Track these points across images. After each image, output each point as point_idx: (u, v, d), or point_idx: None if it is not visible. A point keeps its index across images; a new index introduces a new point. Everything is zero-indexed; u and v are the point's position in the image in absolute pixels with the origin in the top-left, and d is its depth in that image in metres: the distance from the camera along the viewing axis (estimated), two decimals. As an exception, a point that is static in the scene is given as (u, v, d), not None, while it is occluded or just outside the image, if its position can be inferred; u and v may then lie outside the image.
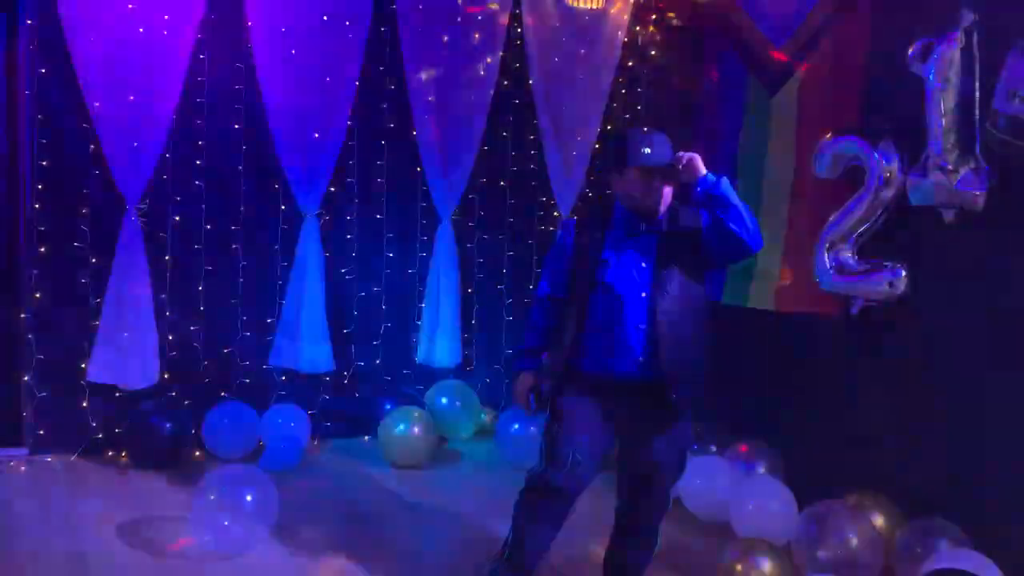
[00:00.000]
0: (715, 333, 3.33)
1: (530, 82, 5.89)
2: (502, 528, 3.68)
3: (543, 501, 3.20)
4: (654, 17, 5.95)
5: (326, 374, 5.63)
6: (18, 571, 3.66)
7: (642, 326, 3.13)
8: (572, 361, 3.20)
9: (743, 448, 4.71)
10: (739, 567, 3.54)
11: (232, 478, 3.97)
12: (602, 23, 5.89)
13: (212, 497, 3.82)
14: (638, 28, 6.00)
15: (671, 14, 5.89)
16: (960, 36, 3.75)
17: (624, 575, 3.49)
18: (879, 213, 4.14)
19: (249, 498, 3.84)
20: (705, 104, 5.46)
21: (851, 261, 4.25)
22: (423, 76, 5.66)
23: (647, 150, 3.12)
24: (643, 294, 3.14)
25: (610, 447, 3.30)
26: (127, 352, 5.03)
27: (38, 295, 4.99)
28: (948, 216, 3.87)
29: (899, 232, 4.13)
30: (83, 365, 5.08)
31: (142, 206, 5.08)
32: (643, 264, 3.17)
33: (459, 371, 6.04)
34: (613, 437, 3.27)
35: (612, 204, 3.30)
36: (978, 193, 3.74)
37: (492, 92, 5.81)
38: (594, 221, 3.30)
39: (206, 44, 5.15)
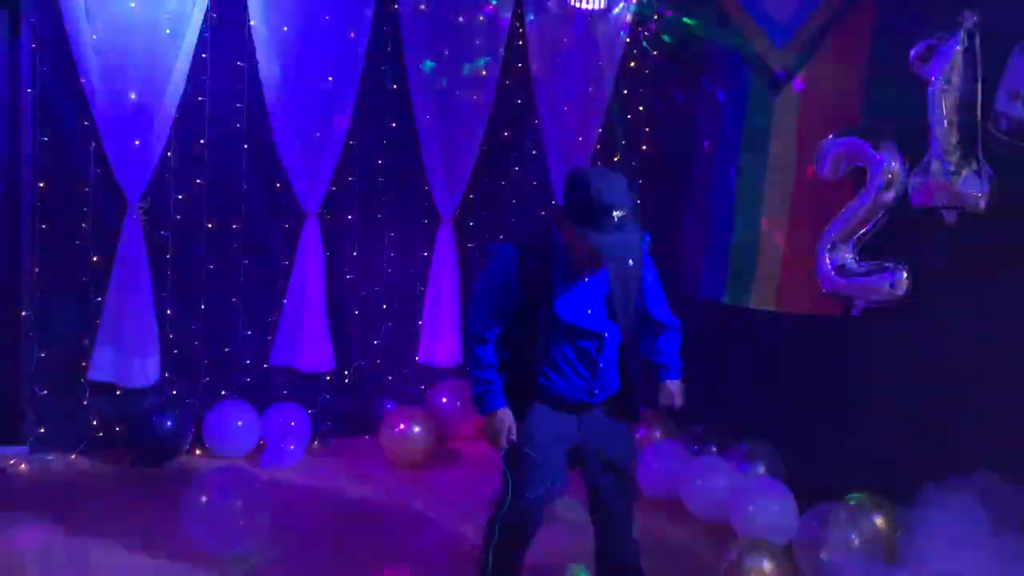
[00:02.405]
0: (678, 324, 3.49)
1: (531, 81, 5.88)
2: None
3: (518, 537, 3.25)
4: (656, 17, 5.94)
5: (326, 373, 5.62)
6: (19, 570, 3.66)
7: (604, 357, 3.18)
8: (533, 391, 3.18)
9: (744, 448, 4.71)
10: (739, 567, 3.54)
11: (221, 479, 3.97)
12: (604, 23, 5.89)
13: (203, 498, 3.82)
14: (640, 28, 6.00)
15: (673, 14, 5.89)
16: (962, 37, 3.76)
17: (628, 573, 3.47)
18: (880, 214, 4.15)
19: (239, 500, 3.84)
20: (707, 104, 5.46)
21: (852, 262, 4.25)
22: (425, 75, 5.66)
23: (616, 214, 2.93)
24: (599, 328, 3.15)
25: (571, 465, 3.30)
26: (128, 350, 5.02)
27: (39, 293, 4.99)
28: (950, 217, 3.87)
29: (900, 233, 4.13)
30: (84, 363, 5.07)
31: (143, 204, 5.08)
32: (593, 302, 3.15)
33: (459, 371, 6.04)
34: (572, 455, 3.27)
35: (553, 239, 3.15)
36: (980, 194, 3.75)
37: (493, 92, 5.81)
38: (538, 253, 3.13)
39: (208, 43, 5.15)
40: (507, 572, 3.29)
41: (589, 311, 3.15)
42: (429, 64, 5.66)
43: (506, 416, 3.18)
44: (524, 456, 3.17)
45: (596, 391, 3.22)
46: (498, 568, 3.26)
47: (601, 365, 3.19)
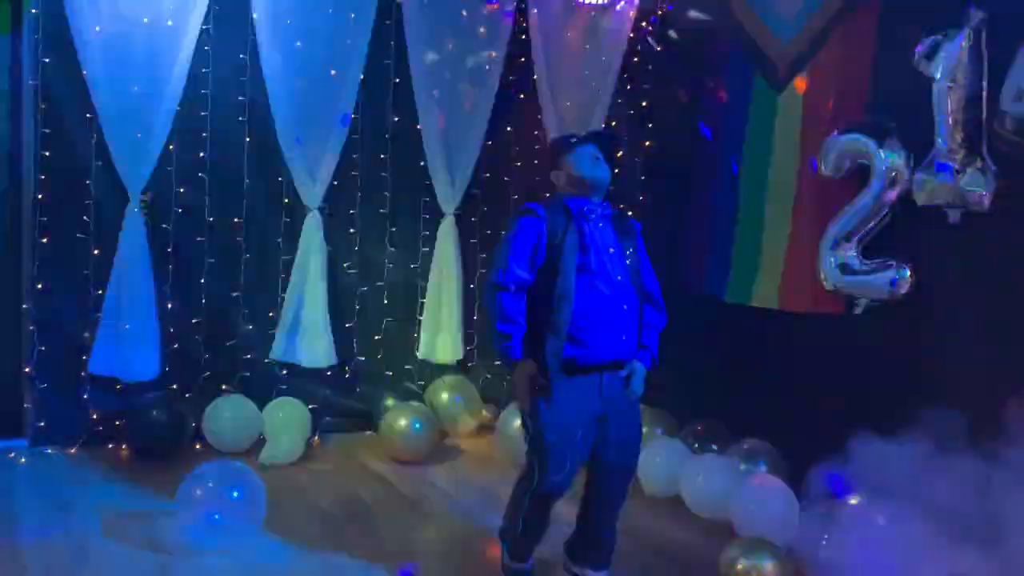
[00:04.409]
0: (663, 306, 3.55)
1: (534, 77, 5.87)
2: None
3: (547, 505, 3.36)
4: (659, 12, 5.92)
5: (328, 368, 5.61)
6: (18, 563, 3.65)
7: (625, 307, 3.29)
8: (565, 353, 3.22)
9: (745, 447, 4.70)
10: (740, 566, 3.54)
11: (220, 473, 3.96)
12: (607, 18, 5.87)
13: (199, 492, 3.81)
14: (644, 23, 5.97)
15: (676, 10, 5.87)
16: (968, 35, 3.73)
17: (598, 550, 3.53)
18: (884, 212, 4.13)
19: (235, 494, 3.83)
20: (710, 101, 5.44)
21: (855, 260, 4.23)
22: (427, 70, 5.65)
23: (583, 133, 3.50)
24: (619, 277, 3.30)
25: (596, 435, 3.34)
26: (128, 344, 5.01)
27: (40, 286, 4.98)
28: (953, 216, 3.86)
29: (904, 231, 4.11)
30: (84, 357, 5.07)
31: (145, 198, 5.07)
32: (611, 249, 3.32)
33: (460, 367, 6.03)
34: (598, 425, 3.33)
35: (563, 199, 3.39)
36: (984, 193, 3.73)
37: (496, 86, 5.79)
38: (561, 209, 3.34)
39: (211, 36, 5.14)
40: (537, 534, 3.46)
41: (607, 259, 3.29)
42: (432, 58, 5.64)
43: (531, 366, 3.23)
44: (546, 443, 3.23)
45: (622, 343, 3.28)
46: (528, 533, 3.43)
47: (625, 308, 3.28)
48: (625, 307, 3.28)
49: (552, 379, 3.21)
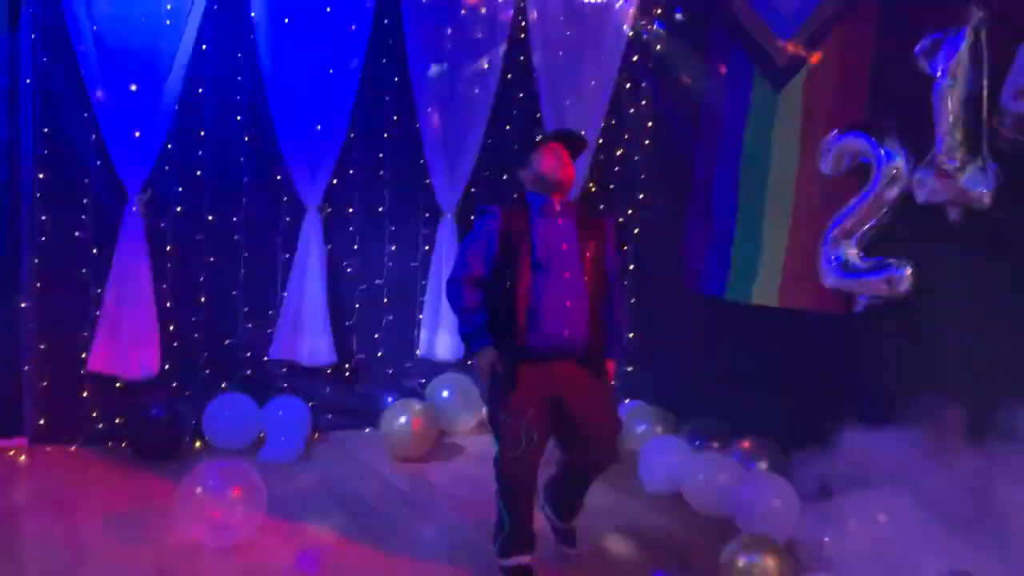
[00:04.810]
0: (624, 302, 3.62)
1: (534, 75, 5.86)
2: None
3: (517, 480, 3.59)
4: (659, 10, 5.92)
5: (327, 366, 5.62)
6: (18, 561, 3.65)
7: (568, 303, 3.50)
8: (519, 340, 3.48)
9: (745, 444, 4.70)
10: (741, 563, 3.54)
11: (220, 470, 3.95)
12: (607, 16, 5.87)
13: (199, 490, 3.81)
14: (643, 21, 5.97)
15: (676, 7, 5.87)
16: (968, 33, 3.73)
17: (572, 508, 3.87)
18: (884, 210, 4.12)
19: (236, 492, 3.82)
20: (710, 98, 5.44)
21: (855, 258, 4.23)
22: (426, 68, 5.64)
23: (552, 134, 3.76)
24: (566, 274, 3.52)
25: (554, 411, 3.57)
26: (128, 343, 5.02)
27: (39, 285, 4.98)
28: (954, 214, 3.85)
29: (904, 230, 4.11)
30: (84, 355, 5.06)
31: (144, 196, 5.06)
32: (565, 246, 3.55)
33: (460, 365, 6.02)
34: (555, 403, 3.55)
35: (526, 196, 3.68)
36: (984, 191, 3.73)
37: (495, 84, 5.79)
38: (518, 209, 3.63)
39: (209, 34, 5.13)
40: (518, 511, 3.62)
41: (562, 254, 3.53)
42: (431, 56, 5.63)
43: (491, 352, 3.51)
44: (500, 423, 3.55)
45: (573, 335, 3.50)
46: (510, 509, 3.63)
47: (575, 305, 3.51)
48: (568, 304, 3.50)
49: (507, 366, 3.48)
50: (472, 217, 3.77)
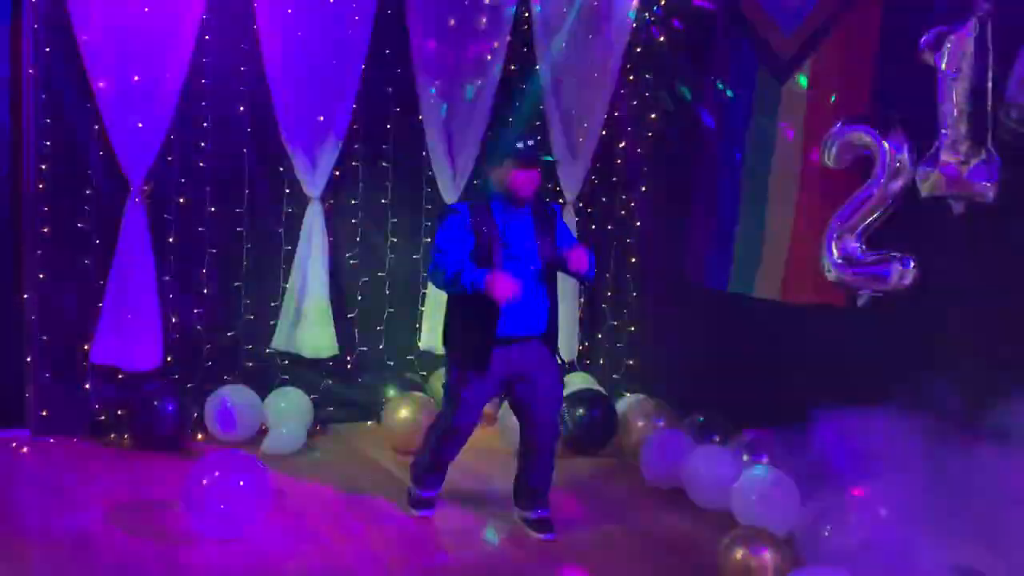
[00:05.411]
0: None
1: (537, 67, 5.84)
2: (503, 514, 4.04)
3: (450, 439, 4.10)
4: (663, 2, 5.89)
5: (329, 359, 5.61)
6: (20, 553, 3.66)
7: (539, 291, 3.93)
8: (495, 327, 3.83)
9: (746, 437, 4.69)
10: (740, 556, 3.54)
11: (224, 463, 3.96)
12: (610, 8, 5.84)
13: (203, 481, 3.81)
14: (647, 14, 5.94)
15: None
16: (973, 25, 3.71)
17: (534, 495, 4.14)
18: (888, 204, 4.11)
19: (239, 483, 3.83)
20: (713, 92, 5.41)
21: (859, 252, 4.22)
22: (429, 60, 5.62)
23: (521, 144, 4.13)
24: (532, 267, 3.91)
25: (511, 388, 4.03)
26: (130, 334, 5.01)
27: (41, 276, 4.98)
28: (958, 208, 3.84)
29: (908, 223, 4.10)
30: (86, 347, 5.07)
31: (146, 188, 5.06)
32: (527, 243, 3.93)
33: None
34: (515, 380, 3.98)
35: (490, 194, 3.99)
36: (989, 184, 3.71)
37: (499, 77, 5.77)
38: (484, 207, 3.95)
39: (211, 25, 5.11)
40: (438, 467, 4.21)
41: (525, 250, 3.91)
42: (434, 48, 5.61)
43: (501, 275, 3.72)
44: (464, 398, 3.94)
45: (539, 321, 3.95)
46: (432, 463, 4.18)
47: (540, 292, 3.93)
48: (535, 292, 3.90)
49: (481, 350, 3.84)
50: (439, 216, 4.09)
